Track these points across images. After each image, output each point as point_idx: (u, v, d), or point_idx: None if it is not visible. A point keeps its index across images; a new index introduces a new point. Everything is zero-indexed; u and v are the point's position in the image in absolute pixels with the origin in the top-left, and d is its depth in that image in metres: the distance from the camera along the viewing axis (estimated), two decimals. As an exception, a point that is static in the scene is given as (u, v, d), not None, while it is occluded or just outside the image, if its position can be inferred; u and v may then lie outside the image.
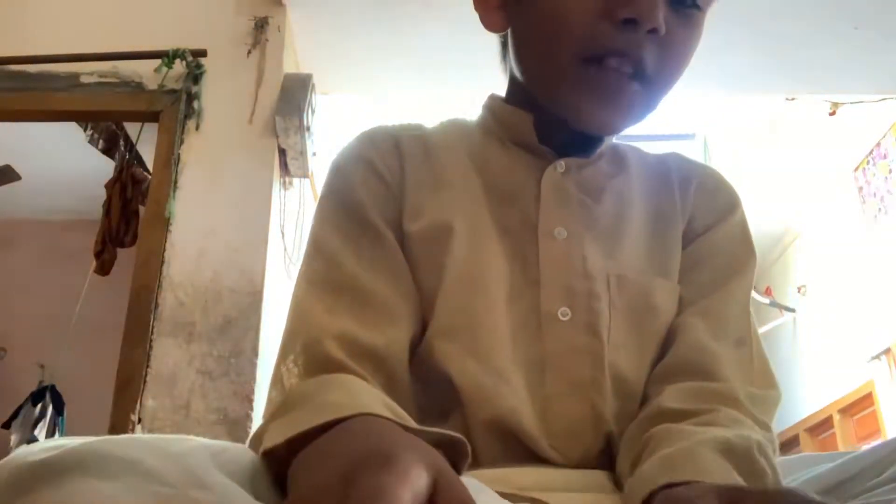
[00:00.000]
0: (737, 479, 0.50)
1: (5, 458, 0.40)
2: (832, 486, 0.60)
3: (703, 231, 0.75)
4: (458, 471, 0.47)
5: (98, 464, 0.37)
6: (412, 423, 0.49)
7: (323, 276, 0.66)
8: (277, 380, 0.61)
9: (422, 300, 0.67)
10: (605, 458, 0.63)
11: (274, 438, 0.47)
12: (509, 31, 0.74)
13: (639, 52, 0.64)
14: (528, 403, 0.63)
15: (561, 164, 0.73)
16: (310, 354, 0.60)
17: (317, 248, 0.69)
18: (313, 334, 0.61)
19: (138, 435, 0.41)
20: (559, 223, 0.70)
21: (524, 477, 0.59)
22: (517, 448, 0.62)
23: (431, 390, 0.65)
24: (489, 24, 0.75)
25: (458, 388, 0.62)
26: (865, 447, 0.64)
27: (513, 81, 0.77)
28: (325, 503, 0.37)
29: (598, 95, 0.66)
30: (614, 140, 0.79)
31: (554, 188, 0.72)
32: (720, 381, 0.63)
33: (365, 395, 0.52)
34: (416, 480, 0.37)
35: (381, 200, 0.70)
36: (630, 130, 0.77)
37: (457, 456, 0.48)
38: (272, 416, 0.53)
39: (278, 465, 0.46)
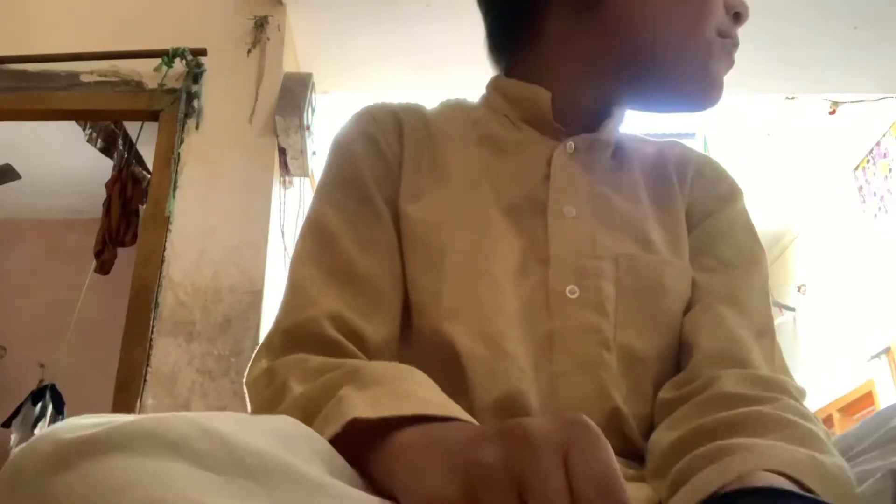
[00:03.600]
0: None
1: (44, 431, 0.38)
2: None
3: (704, 217, 0.76)
4: None
5: (142, 442, 0.36)
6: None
7: (317, 256, 0.67)
8: (270, 348, 0.62)
9: (424, 284, 0.67)
10: (610, 432, 0.62)
11: (364, 411, 0.47)
12: (611, 4, 0.72)
13: (737, 40, 0.77)
14: (535, 382, 0.63)
15: (570, 145, 0.73)
16: (304, 330, 0.62)
17: (313, 226, 0.70)
18: (308, 313, 0.62)
19: (186, 413, 0.39)
20: (569, 202, 0.70)
21: None
22: None
23: (437, 372, 0.64)
24: None
25: (466, 369, 0.62)
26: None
27: (537, 58, 0.75)
28: (555, 474, 0.37)
29: (725, 63, 0.77)
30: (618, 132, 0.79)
31: (564, 167, 0.72)
32: (756, 370, 0.63)
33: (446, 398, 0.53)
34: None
35: (382, 178, 0.70)
36: (630, 130, 0.78)
37: None
38: (336, 384, 0.53)
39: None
